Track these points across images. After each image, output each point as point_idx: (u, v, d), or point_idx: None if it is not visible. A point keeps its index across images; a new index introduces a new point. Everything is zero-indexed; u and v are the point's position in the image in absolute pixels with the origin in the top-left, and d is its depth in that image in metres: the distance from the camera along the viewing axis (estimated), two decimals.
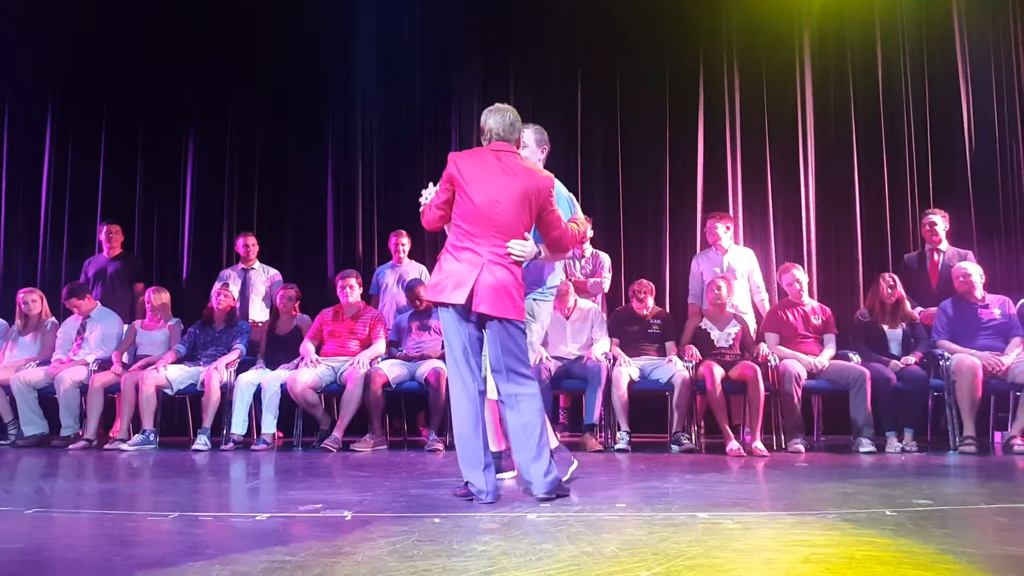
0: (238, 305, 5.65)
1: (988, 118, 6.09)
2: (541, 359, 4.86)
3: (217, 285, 5.61)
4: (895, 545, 2.01)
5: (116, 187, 6.73)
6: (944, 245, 5.26)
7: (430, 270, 5.93)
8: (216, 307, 5.36)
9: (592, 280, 5.44)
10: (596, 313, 5.19)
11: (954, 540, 2.03)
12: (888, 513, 2.45)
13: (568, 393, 5.47)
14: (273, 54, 6.68)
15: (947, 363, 4.61)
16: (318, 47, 6.70)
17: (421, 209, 2.99)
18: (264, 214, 6.68)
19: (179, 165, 6.75)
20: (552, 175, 2.97)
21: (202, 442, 4.80)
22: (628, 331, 5.16)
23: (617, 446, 4.65)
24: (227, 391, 4.99)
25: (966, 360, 4.51)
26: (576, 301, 5.20)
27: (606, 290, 5.55)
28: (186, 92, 6.74)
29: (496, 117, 2.91)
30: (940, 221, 5.25)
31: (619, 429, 4.74)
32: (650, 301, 5.18)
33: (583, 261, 5.60)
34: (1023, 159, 6.01)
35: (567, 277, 5.53)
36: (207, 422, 4.91)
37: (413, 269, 5.80)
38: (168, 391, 5.06)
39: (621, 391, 4.73)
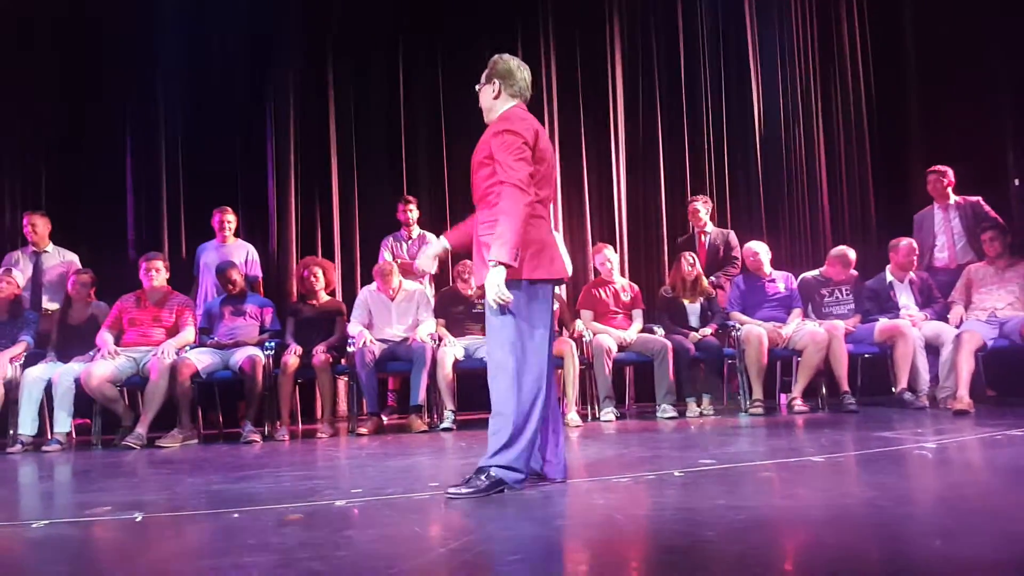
0: (27, 293, 5.12)
1: (775, 107, 6.76)
2: (365, 342, 4.80)
3: None
4: (677, 502, 2.19)
5: None
6: (709, 227, 5.81)
7: (258, 249, 5.63)
8: None
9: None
10: (421, 294, 5.19)
11: (728, 495, 2.25)
12: (676, 474, 2.66)
13: (395, 375, 5.44)
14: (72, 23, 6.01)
15: (738, 333, 5.07)
16: (118, 18, 6.10)
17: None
18: (55, 193, 6.02)
19: None
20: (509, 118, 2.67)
21: None
22: (453, 311, 5.20)
23: (443, 425, 4.69)
24: (12, 388, 4.53)
25: (753, 330, 4.97)
26: (401, 283, 5.18)
27: (433, 271, 5.55)
28: None
29: (525, 73, 2.77)
30: (702, 207, 5.80)
31: (445, 408, 4.79)
32: (473, 281, 5.25)
33: (410, 243, 5.58)
34: (801, 146, 6.75)
35: (393, 258, 5.49)
36: None
37: (240, 249, 5.48)
38: None
39: (446, 371, 4.78)
